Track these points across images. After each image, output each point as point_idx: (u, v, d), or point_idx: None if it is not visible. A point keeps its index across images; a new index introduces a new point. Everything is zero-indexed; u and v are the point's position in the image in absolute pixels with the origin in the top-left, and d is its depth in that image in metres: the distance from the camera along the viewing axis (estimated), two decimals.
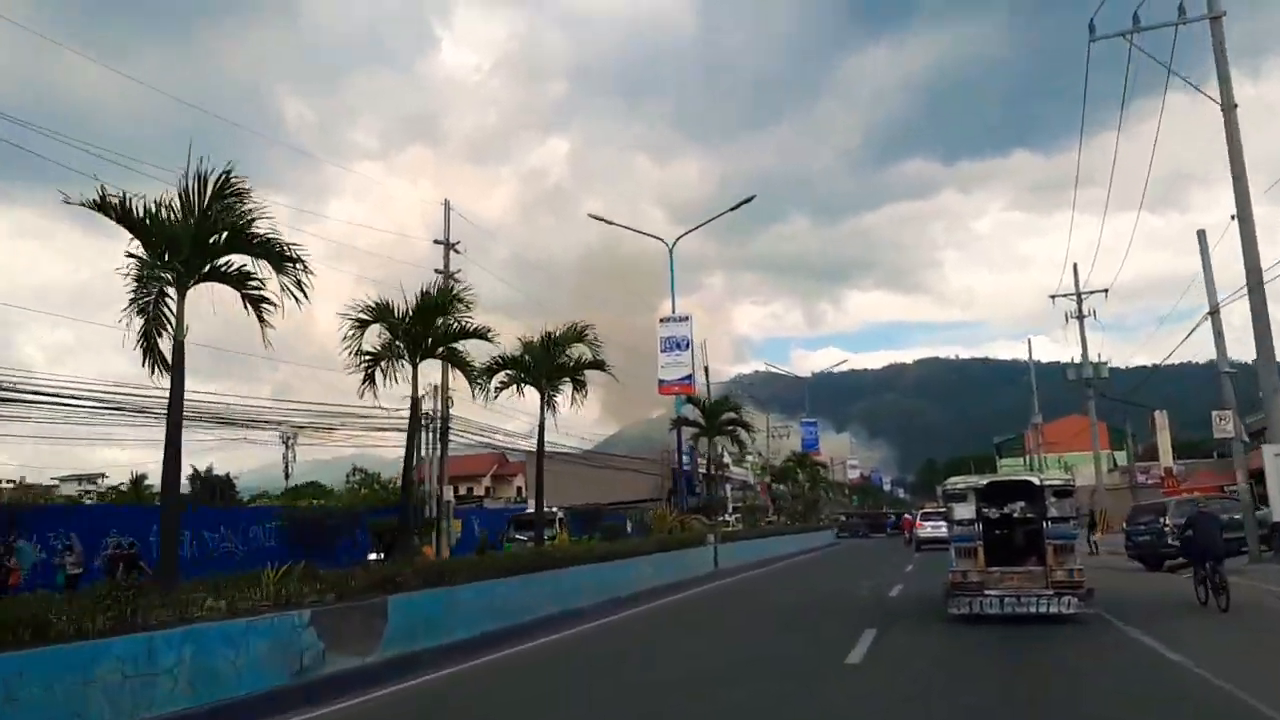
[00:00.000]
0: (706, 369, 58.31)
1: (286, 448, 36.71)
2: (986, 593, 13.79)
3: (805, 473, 70.95)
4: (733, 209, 34.41)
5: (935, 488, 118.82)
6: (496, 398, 22.16)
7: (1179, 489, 45.98)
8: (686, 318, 32.56)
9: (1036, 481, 14.09)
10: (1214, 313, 19.21)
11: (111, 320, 12.17)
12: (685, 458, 63.33)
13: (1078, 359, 43.73)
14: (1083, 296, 43.98)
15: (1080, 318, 44.03)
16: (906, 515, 64.96)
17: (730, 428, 37.53)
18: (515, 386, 22.30)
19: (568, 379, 22.49)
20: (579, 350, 22.48)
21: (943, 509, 41.76)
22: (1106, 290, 43.98)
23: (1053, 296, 44.51)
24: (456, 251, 30.26)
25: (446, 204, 30.86)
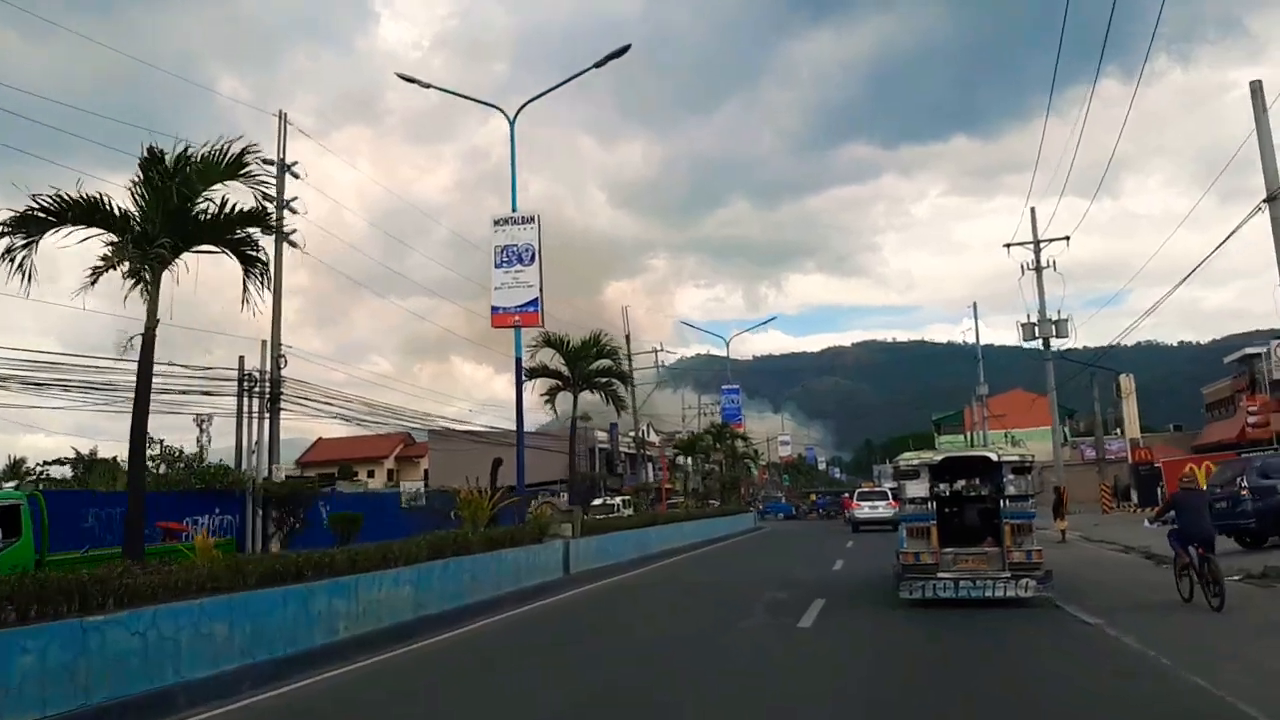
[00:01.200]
0: (658, 351, 56.58)
1: None
2: (940, 575, 12.89)
3: (723, 446, 60.07)
4: (597, 65, 24.53)
5: (873, 468, 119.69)
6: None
7: (1148, 460, 44.02)
8: (531, 219, 23.09)
9: (994, 457, 13.18)
10: (1272, 199, 16.95)
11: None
12: (604, 435, 60.50)
13: (1034, 317, 39.06)
14: (1040, 245, 38.91)
15: (1038, 268, 38.73)
16: (845, 495, 64.49)
17: (604, 380, 28.55)
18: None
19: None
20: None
21: (880, 489, 41.76)
22: (1068, 237, 38.72)
23: (1008, 245, 39.58)
24: (294, 175, 25.17)
25: (281, 116, 25.23)
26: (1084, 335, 38.37)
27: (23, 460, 41.34)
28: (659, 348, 57.22)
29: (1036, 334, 38.85)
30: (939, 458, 13.48)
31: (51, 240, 11.24)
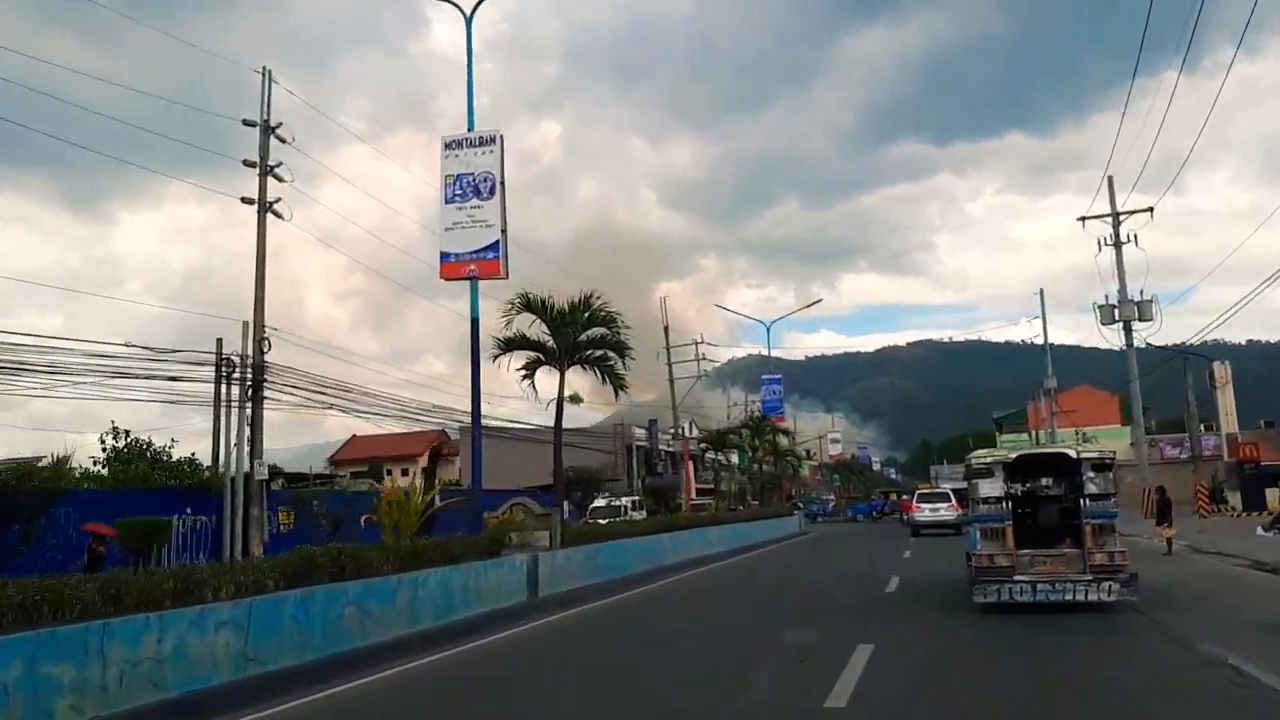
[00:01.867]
0: (699, 344, 52.66)
1: None
2: (1016, 578, 12.30)
3: (762, 441, 51.93)
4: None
5: (929, 468, 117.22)
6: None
7: (1254, 458, 38.63)
8: (492, 139, 18.96)
9: (1073, 454, 12.55)
10: None
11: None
12: (643, 431, 56.42)
13: (1112, 299, 34.83)
14: (1120, 218, 34.52)
15: (1118, 243, 34.40)
16: (903, 497, 62.94)
17: (598, 354, 21.02)
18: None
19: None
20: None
21: (941, 489, 40.31)
22: (1151, 209, 34.43)
23: (1082, 219, 35.72)
24: (279, 139, 21.90)
25: (265, 72, 22.06)
26: (1156, 332, 35.26)
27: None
28: (699, 339, 53.33)
29: (1116, 316, 34.51)
30: (1014, 455, 12.89)
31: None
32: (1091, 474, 12.37)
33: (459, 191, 18.81)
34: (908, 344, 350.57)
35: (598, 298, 20.31)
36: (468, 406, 20.54)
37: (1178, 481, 37.19)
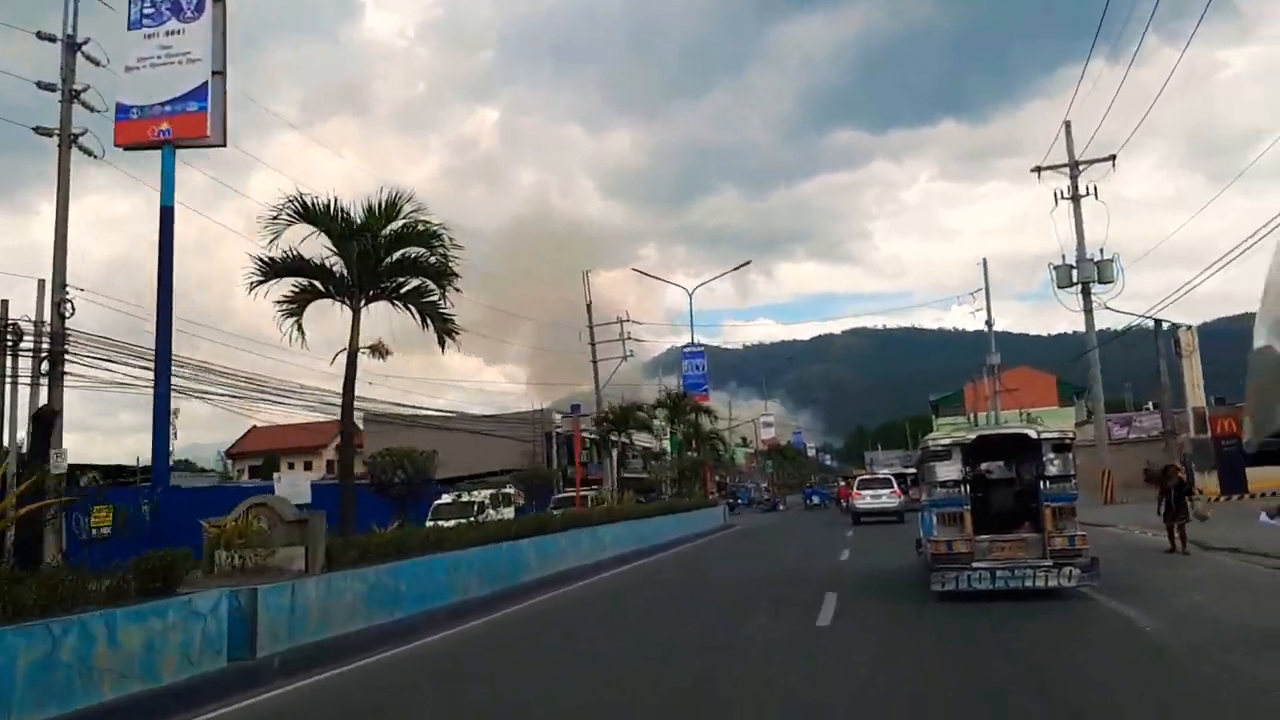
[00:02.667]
0: (624, 322, 45.25)
1: None
2: (975, 565, 11.76)
3: (681, 421, 45.98)
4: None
5: (865, 454, 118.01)
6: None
7: (1232, 434, 31.92)
8: None
9: (1033, 435, 12.04)
10: None
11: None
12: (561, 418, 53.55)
13: (1070, 259, 31.92)
14: (1079, 167, 31.70)
15: (1075, 197, 31.70)
16: (840, 483, 62.51)
17: (411, 283, 15.49)
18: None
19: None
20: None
21: (882, 475, 38.81)
22: (1113, 157, 31.28)
23: (1038, 169, 32.50)
24: (92, 60, 15.74)
25: None
26: (1117, 295, 32.48)
27: None
28: (625, 317, 46.23)
29: (1074, 278, 31.77)
30: (972, 436, 12.36)
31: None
32: (1051, 455, 11.88)
33: (148, 10, 13.27)
34: (843, 331, 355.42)
35: (408, 200, 14.99)
36: (381, 395, 18.57)
37: (1125, 462, 35.39)
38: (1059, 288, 31.92)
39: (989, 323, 48.66)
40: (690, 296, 51.77)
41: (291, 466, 61.99)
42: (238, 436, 71.85)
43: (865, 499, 34.97)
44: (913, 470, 38.34)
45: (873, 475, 39.35)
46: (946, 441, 12.38)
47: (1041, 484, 11.91)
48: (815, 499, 62.25)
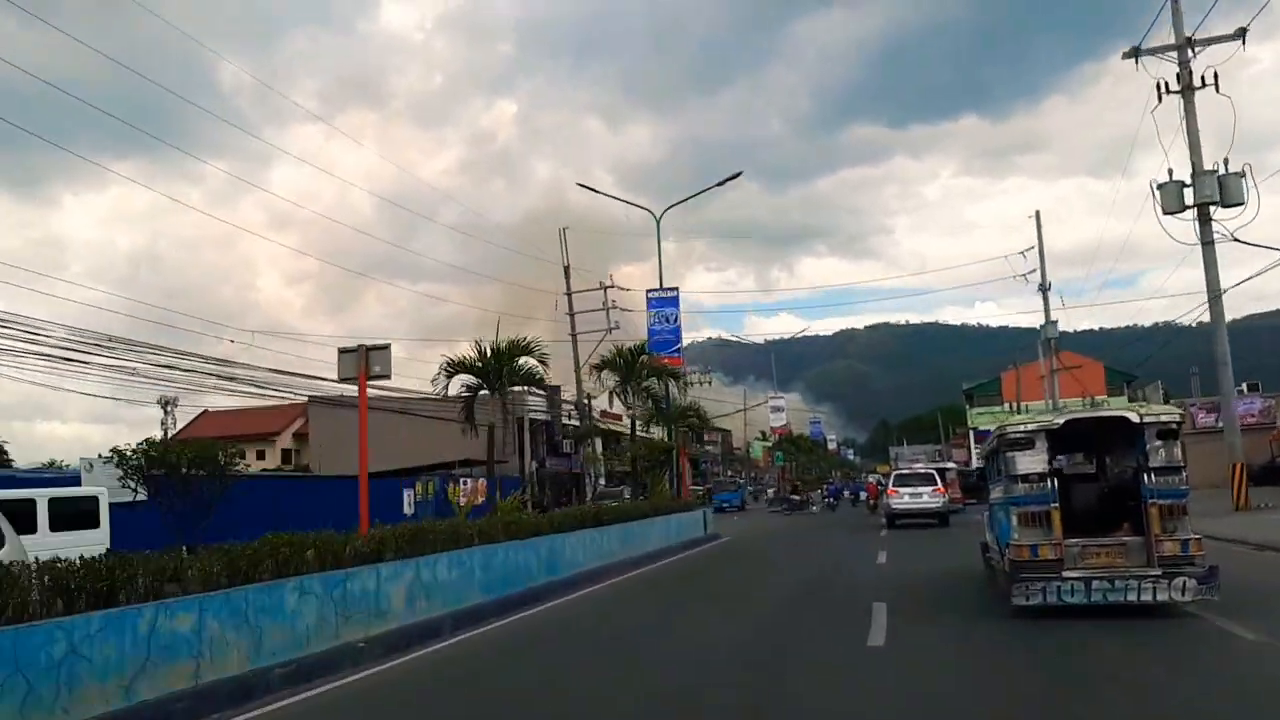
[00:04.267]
0: (605, 287, 40.58)
1: None
2: (1066, 575, 9.82)
3: (637, 390, 31.38)
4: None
5: (889, 449, 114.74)
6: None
7: None
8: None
9: (1135, 418, 10.05)
10: None
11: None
12: (538, 401, 40.15)
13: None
14: (1193, 48, 24.44)
15: (1187, 87, 24.05)
16: (870, 479, 60.04)
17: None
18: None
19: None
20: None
21: (924, 469, 33.53)
22: (1243, 32, 23.17)
23: (1134, 52, 25.11)
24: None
25: None
26: (1250, 223, 23.03)
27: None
28: (608, 282, 39.87)
29: (1187, 199, 23.66)
30: (1060, 420, 10.35)
31: None
32: (1158, 443, 9.91)
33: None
34: (865, 327, 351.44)
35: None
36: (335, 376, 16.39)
37: (1208, 456, 31.39)
38: (1166, 212, 23.56)
39: (1044, 286, 39.93)
40: (658, 222, 37.86)
41: (242, 456, 57.50)
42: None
43: (903, 498, 29.95)
44: (951, 465, 35.77)
45: (911, 469, 34.12)
46: (1029, 427, 10.41)
47: (1144, 478, 9.94)
48: (832, 498, 52.25)
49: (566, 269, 37.24)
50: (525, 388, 25.20)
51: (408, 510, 28.04)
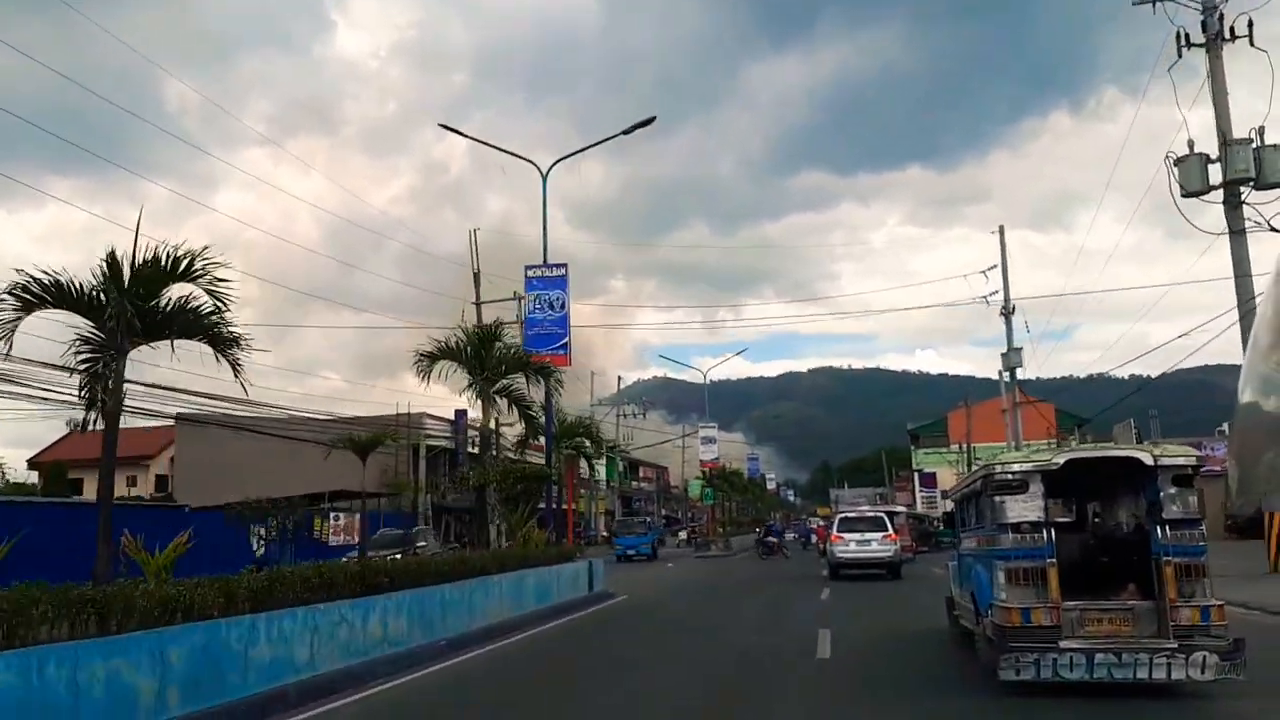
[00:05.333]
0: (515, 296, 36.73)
1: None
2: (1064, 645, 8.15)
3: (485, 387, 21.76)
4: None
5: (829, 491, 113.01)
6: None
7: None
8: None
9: (1148, 459, 8.46)
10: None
11: None
12: (437, 424, 39.54)
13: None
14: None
15: (1216, 36, 18.62)
16: (816, 522, 58.40)
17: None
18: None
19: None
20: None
21: (872, 513, 28.88)
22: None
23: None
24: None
25: None
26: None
27: None
28: (523, 293, 30.87)
29: (1211, 178, 18.54)
30: (1061, 458, 8.71)
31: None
32: (1171, 490, 8.34)
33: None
34: (809, 370, 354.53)
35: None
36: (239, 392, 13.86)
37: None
38: (1186, 194, 18.77)
39: (1007, 309, 35.65)
40: (544, 178, 30.57)
41: (133, 481, 50.43)
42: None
43: (849, 545, 25.96)
44: (901, 509, 33.89)
45: (860, 513, 29.27)
46: (1023, 467, 8.75)
47: (1157, 531, 8.35)
48: (766, 544, 42.34)
49: (476, 275, 31.84)
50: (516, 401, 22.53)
51: (258, 550, 22.93)
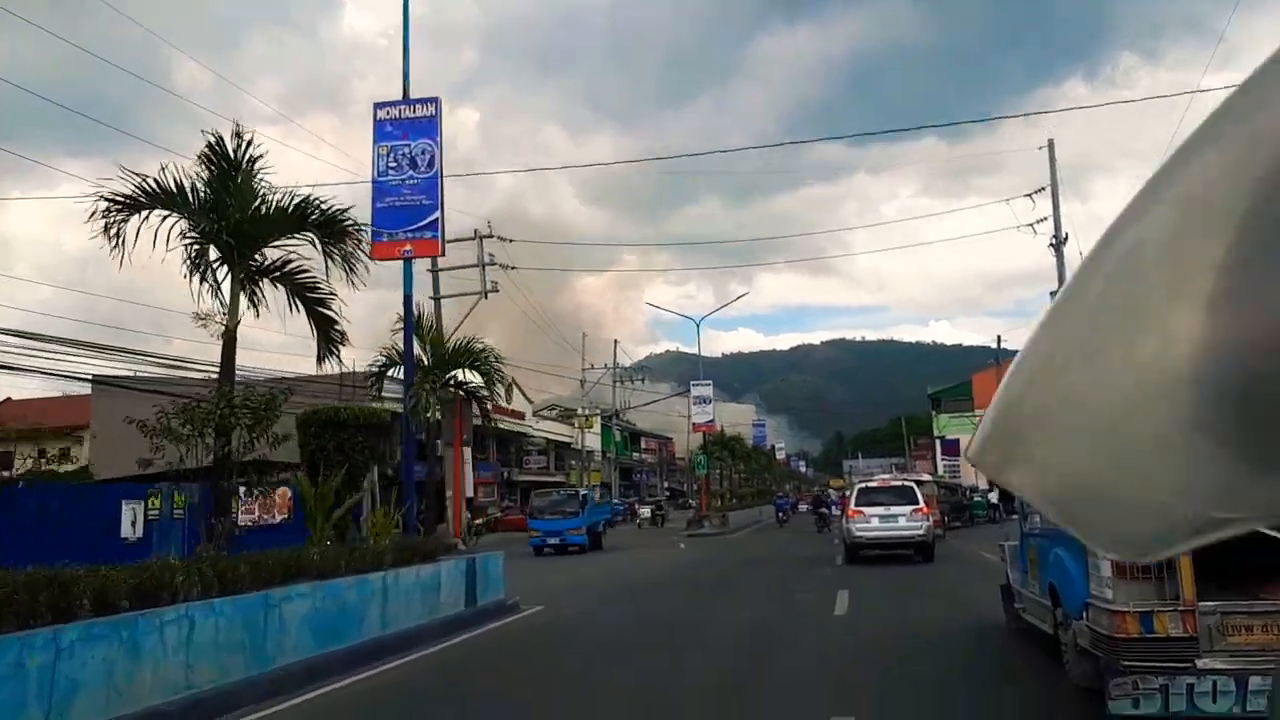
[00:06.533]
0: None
1: None
2: (1203, 663, 5.81)
3: (243, 270, 12.98)
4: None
5: (843, 463, 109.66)
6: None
7: None
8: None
9: None
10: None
11: None
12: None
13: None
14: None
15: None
16: (827, 491, 55.67)
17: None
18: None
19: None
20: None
21: (900, 482, 23.89)
22: None
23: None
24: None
25: None
26: None
27: None
28: (485, 230, 30.55)
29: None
30: None
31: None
32: None
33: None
34: (822, 343, 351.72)
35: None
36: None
37: None
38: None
39: (1059, 238, 29.11)
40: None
41: (43, 455, 42.41)
42: None
43: (870, 521, 21.73)
44: (926, 478, 30.90)
45: (883, 482, 24.58)
46: None
47: None
48: (820, 515, 38.24)
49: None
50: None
51: (130, 535, 18.95)
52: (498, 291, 29.42)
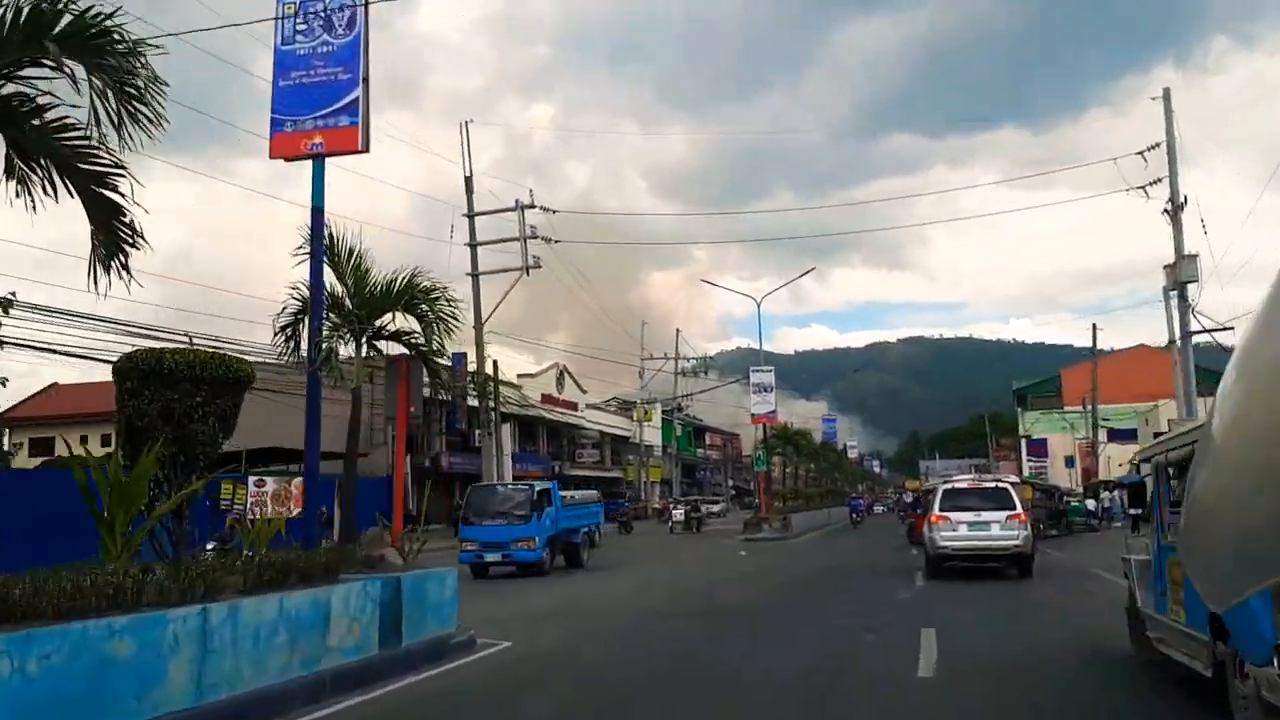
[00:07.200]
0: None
1: None
2: None
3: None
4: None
5: (919, 463, 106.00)
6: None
7: None
8: None
9: None
10: None
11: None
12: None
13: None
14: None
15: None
16: (901, 497, 52.80)
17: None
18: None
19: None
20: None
21: (995, 482, 21.60)
22: None
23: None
24: None
25: None
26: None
27: None
28: (526, 200, 28.77)
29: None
30: None
31: None
32: None
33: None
34: (898, 340, 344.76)
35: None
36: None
37: None
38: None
39: (1175, 203, 24.96)
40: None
41: (85, 440, 39.58)
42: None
43: (957, 530, 18.93)
44: (1014, 479, 27.96)
45: (974, 484, 21.88)
46: None
47: None
48: (908, 510, 37.40)
49: (468, 179, 25.66)
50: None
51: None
52: (539, 267, 27.24)
